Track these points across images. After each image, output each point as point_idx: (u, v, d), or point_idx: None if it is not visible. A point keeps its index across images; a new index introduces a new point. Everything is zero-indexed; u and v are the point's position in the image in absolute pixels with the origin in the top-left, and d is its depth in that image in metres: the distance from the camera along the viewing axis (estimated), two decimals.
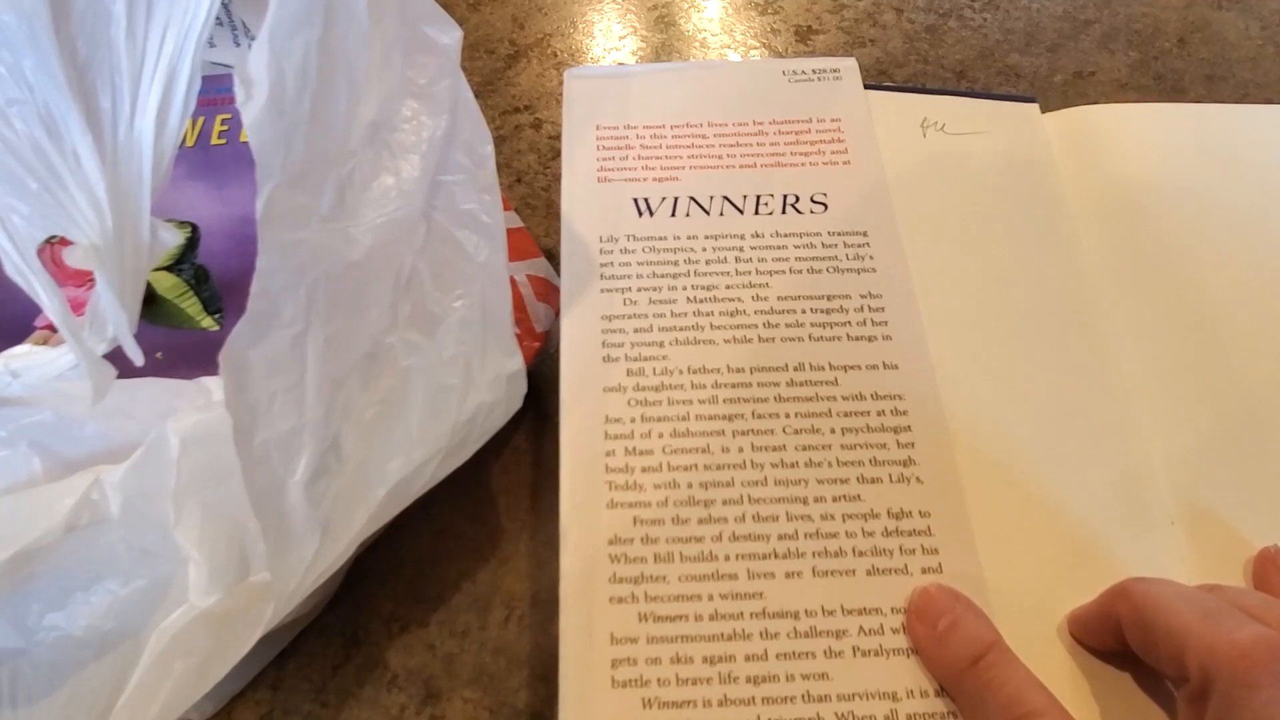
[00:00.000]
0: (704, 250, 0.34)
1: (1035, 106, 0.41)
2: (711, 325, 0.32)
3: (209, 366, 0.33)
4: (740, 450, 0.29)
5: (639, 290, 0.32)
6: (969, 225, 0.36)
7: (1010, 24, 0.61)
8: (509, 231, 0.38)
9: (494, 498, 0.38)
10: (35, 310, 0.37)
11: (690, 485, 0.29)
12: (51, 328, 0.36)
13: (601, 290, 0.32)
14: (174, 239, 0.23)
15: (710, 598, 0.27)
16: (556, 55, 0.57)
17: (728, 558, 0.27)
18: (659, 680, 0.26)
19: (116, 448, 0.27)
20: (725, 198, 0.35)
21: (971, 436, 0.30)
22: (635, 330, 0.31)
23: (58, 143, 0.21)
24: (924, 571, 0.27)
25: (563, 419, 0.30)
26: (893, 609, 0.27)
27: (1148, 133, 0.42)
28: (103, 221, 0.21)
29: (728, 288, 0.33)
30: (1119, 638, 0.25)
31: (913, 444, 0.30)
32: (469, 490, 0.38)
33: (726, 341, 0.31)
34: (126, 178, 0.22)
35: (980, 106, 0.41)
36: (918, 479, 0.29)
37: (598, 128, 0.37)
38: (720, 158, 0.37)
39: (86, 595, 0.26)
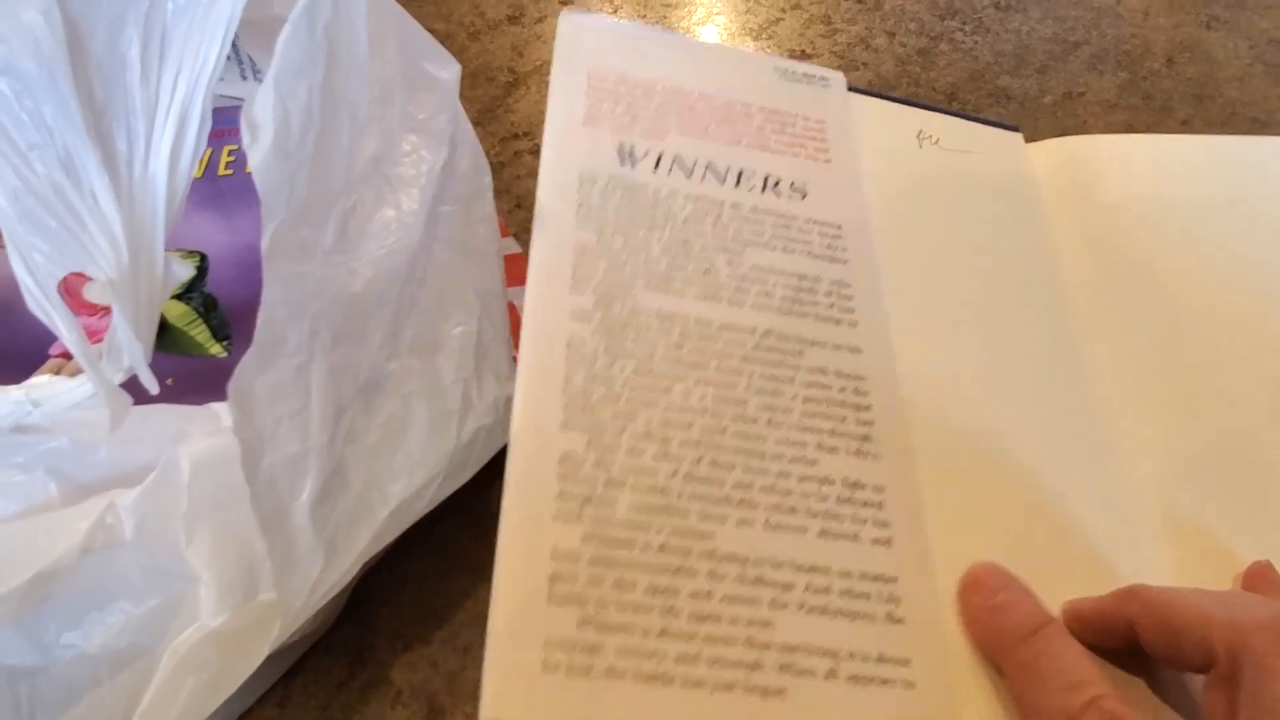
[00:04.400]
0: (682, 208, 0.34)
1: (1019, 135, 0.43)
2: (684, 279, 0.32)
3: (218, 392, 0.33)
4: (701, 398, 0.29)
5: (614, 232, 0.32)
6: (953, 237, 0.37)
7: (1000, 46, 0.62)
8: (507, 257, 0.40)
9: (495, 516, 0.39)
10: (50, 339, 0.38)
11: (649, 421, 0.28)
12: (66, 356, 0.37)
13: (576, 225, 0.32)
14: (186, 272, 0.24)
15: (659, 530, 0.26)
16: None
17: (680, 495, 0.27)
18: (598, 601, 0.25)
19: (129, 472, 0.28)
20: (709, 165, 0.36)
21: (936, 436, 0.31)
22: (606, 268, 0.31)
23: (76, 183, 0.22)
24: (874, 543, 0.28)
25: (524, 335, 0.29)
26: (841, 572, 0.27)
27: (1132, 162, 0.43)
28: (119, 257, 0.22)
29: (702, 248, 0.33)
30: (1124, 637, 0.26)
31: (872, 423, 0.30)
32: (470, 509, 0.39)
33: (696, 297, 0.31)
34: (141, 215, 0.23)
35: (970, 128, 0.42)
36: (874, 455, 0.29)
37: (589, 74, 0.38)
38: (707, 129, 0.37)
39: (102, 615, 0.27)
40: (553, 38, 0.61)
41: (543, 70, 0.59)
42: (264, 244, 0.22)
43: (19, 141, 0.22)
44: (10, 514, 0.28)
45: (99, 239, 0.22)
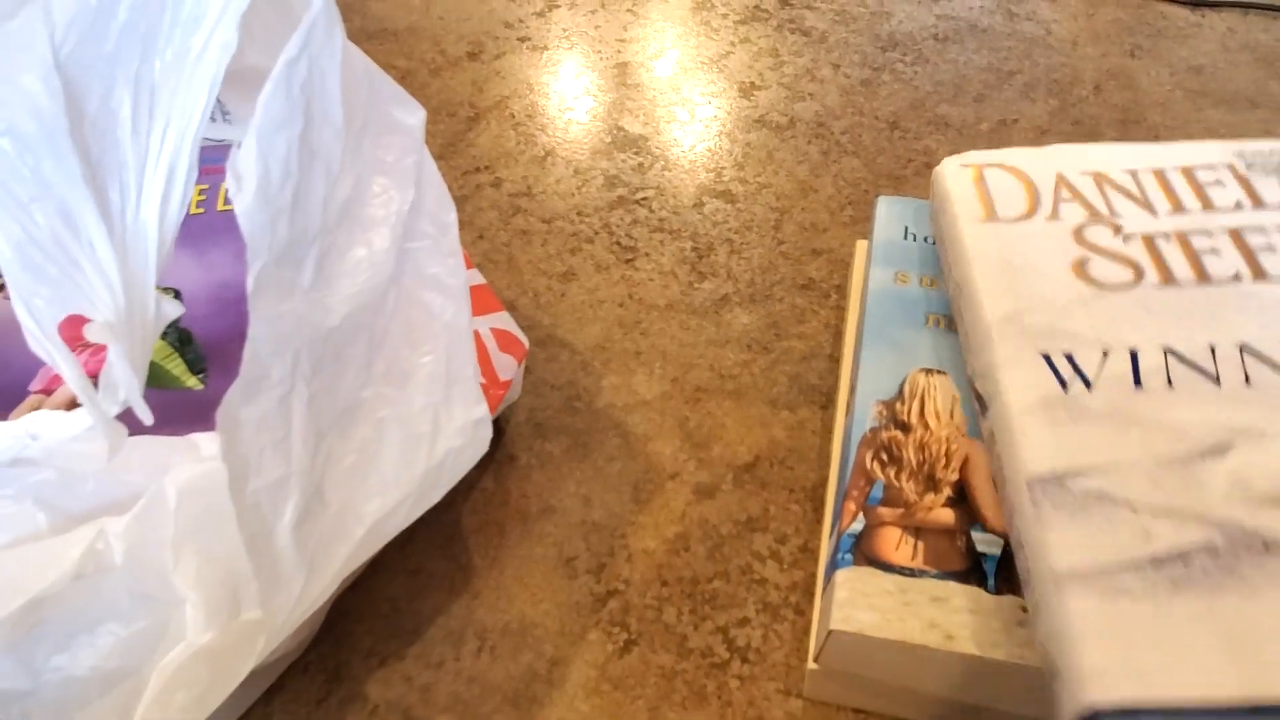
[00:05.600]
0: None
1: None
2: None
3: (196, 424, 0.35)
4: None
5: None
6: None
7: (940, 76, 0.66)
8: (472, 288, 0.42)
9: (465, 536, 0.41)
10: (29, 378, 0.39)
11: None
12: (46, 392, 0.38)
13: None
14: (176, 310, 0.26)
15: None
16: (514, 116, 0.61)
17: None
18: None
19: (115, 501, 0.30)
20: None
21: None
22: None
23: (74, 233, 0.24)
24: None
25: None
26: None
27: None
28: (115, 301, 0.24)
29: None
30: None
31: None
32: (441, 530, 0.41)
33: None
34: (134, 260, 0.24)
35: None
36: None
37: None
38: None
39: (91, 638, 0.28)
40: (511, 74, 0.64)
41: (501, 106, 0.61)
42: (249, 284, 0.24)
43: (21, 195, 0.23)
44: (1, 544, 0.29)
45: (96, 284, 0.24)
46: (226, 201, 0.45)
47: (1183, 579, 0.28)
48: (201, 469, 0.28)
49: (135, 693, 0.28)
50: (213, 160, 0.45)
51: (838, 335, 0.49)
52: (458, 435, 0.31)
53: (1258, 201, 0.40)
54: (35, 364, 0.40)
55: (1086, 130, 0.62)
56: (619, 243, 0.53)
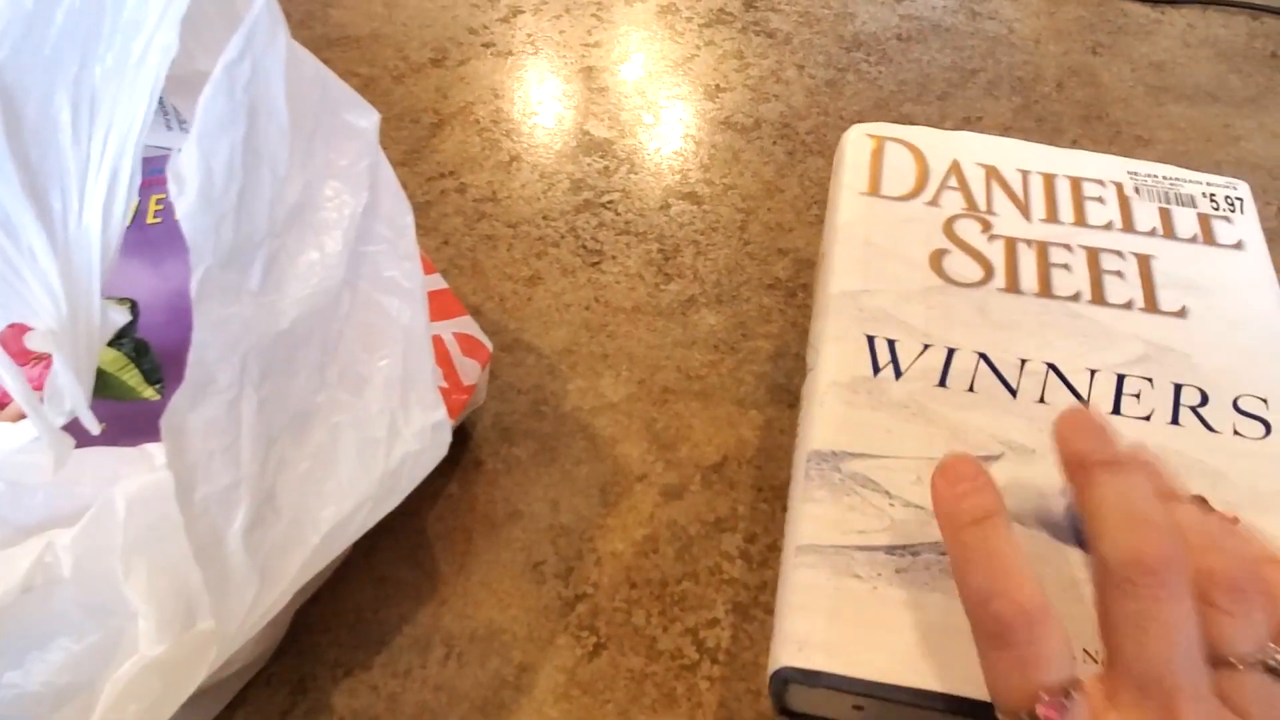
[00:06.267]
0: None
1: None
2: None
3: (151, 434, 0.34)
4: None
5: None
6: None
7: (903, 75, 0.66)
8: (434, 293, 0.41)
9: (430, 543, 0.40)
10: None
11: None
12: None
13: None
14: (122, 318, 0.25)
15: None
16: (479, 122, 0.60)
17: None
18: None
19: (66, 513, 0.29)
20: None
21: None
22: None
23: (14, 241, 0.23)
24: None
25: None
26: None
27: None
28: (58, 308, 0.24)
29: None
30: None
31: None
32: (406, 537, 0.40)
33: None
34: (78, 267, 0.24)
35: None
36: None
37: None
38: None
39: (42, 653, 0.28)
40: (476, 79, 0.64)
41: (465, 111, 0.61)
42: (193, 287, 0.24)
43: None
44: None
45: (38, 292, 0.24)
46: None
47: (906, 570, 0.30)
48: (151, 478, 0.27)
49: (88, 707, 0.27)
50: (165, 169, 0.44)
51: (804, 335, 0.49)
52: (415, 439, 0.30)
53: (1129, 225, 0.41)
54: None
55: (1050, 127, 0.62)
56: (585, 246, 0.53)
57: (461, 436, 0.43)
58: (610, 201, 0.55)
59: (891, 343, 0.36)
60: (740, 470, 0.43)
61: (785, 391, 0.46)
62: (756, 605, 0.39)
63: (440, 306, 0.41)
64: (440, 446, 0.32)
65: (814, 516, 0.32)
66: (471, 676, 0.36)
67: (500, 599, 0.39)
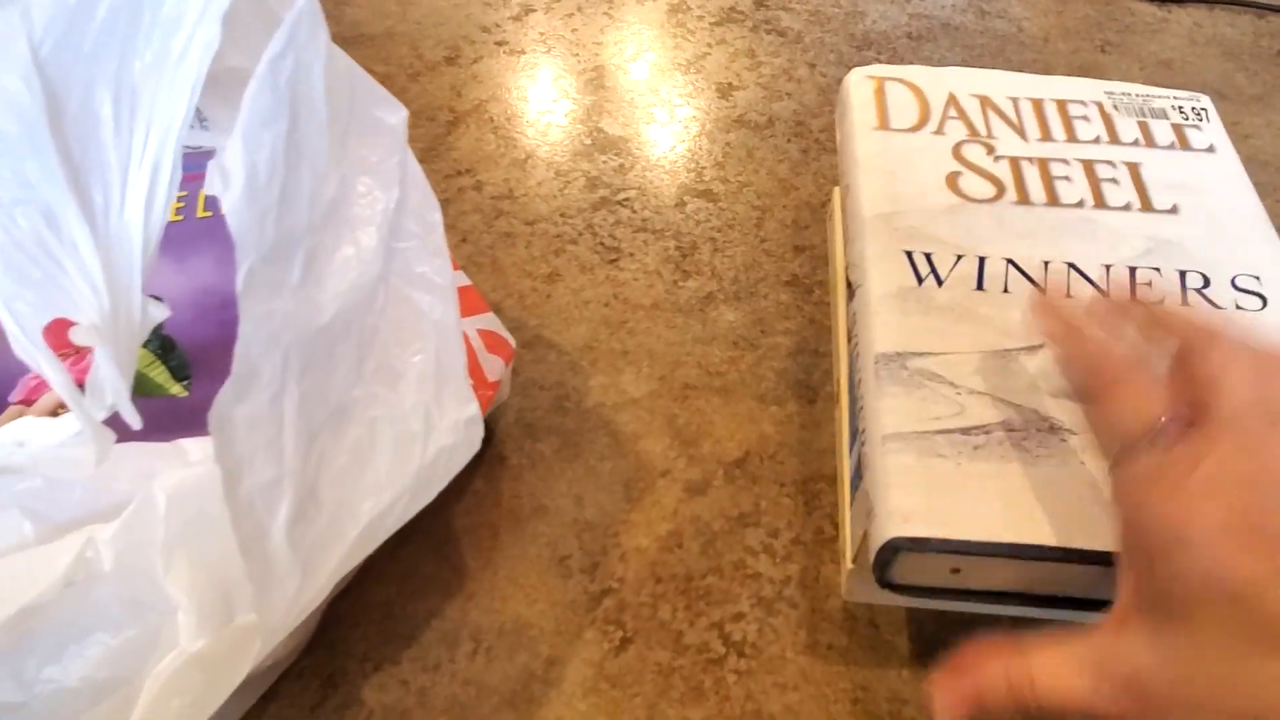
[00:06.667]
0: None
1: None
2: None
3: (181, 431, 0.35)
4: None
5: None
6: None
7: None
8: (458, 290, 0.41)
9: (457, 538, 0.40)
10: (7, 388, 0.39)
11: None
12: (26, 403, 0.38)
13: None
14: (161, 314, 0.25)
15: None
16: (493, 120, 0.61)
17: None
18: None
19: (102, 509, 0.29)
20: None
21: None
22: None
23: (58, 235, 0.23)
24: None
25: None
26: None
27: None
28: (100, 302, 0.24)
29: None
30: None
31: None
32: (433, 533, 0.40)
33: None
34: (119, 262, 0.24)
35: None
36: None
37: None
38: None
39: (81, 648, 0.28)
40: (489, 77, 0.64)
41: (480, 109, 0.61)
42: (239, 283, 0.24)
43: (2, 197, 0.23)
44: None
45: (81, 286, 0.24)
46: (206, 208, 0.44)
47: (983, 446, 0.33)
48: (191, 473, 0.28)
49: (127, 702, 0.27)
50: (190, 167, 0.44)
51: (823, 330, 0.49)
52: (450, 434, 0.31)
53: (1114, 138, 0.46)
54: (14, 374, 0.39)
55: None
56: (603, 243, 0.53)
57: (486, 432, 0.43)
58: (626, 199, 0.56)
59: (928, 255, 0.40)
60: (762, 465, 0.43)
61: (805, 387, 0.46)
62: (781, 599, 0.39)
63: (464, 303, 0.41)
64: (474, 441, 0.32)
65: (892, 409, 0.35)
66: (500, 670, 0.37)
67: (527, 593, 0.39)
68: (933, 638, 0.38)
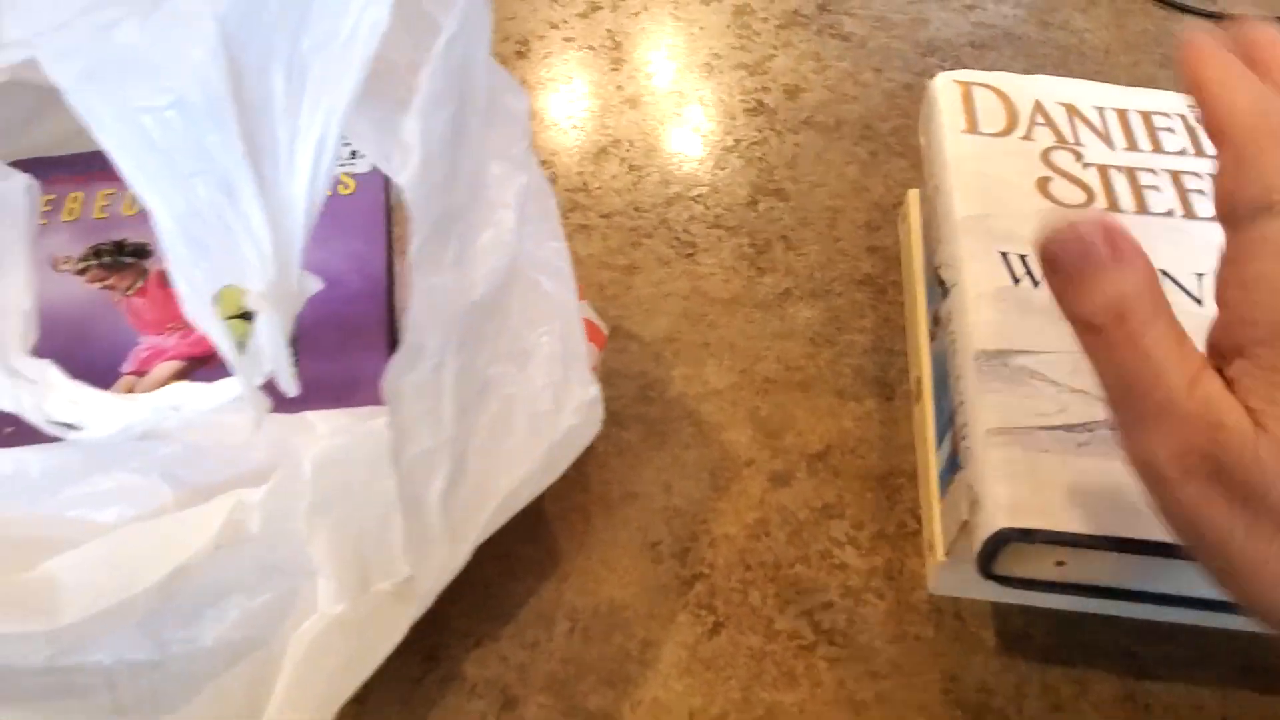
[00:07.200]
0: None
1: None
2: None
3: (301, 404, 0.36)
4: None
5: None
6: None
7: None
8: None
9: (549, 522, 0.41)
10: (117, 359, 0.39)
11: None
12: (139, 373, 0.39)
13: None
14: (316, 285, 0.26)
15: None
16: (565, 114, 0.61)
17: None
18: None
19: (239, 475, 0.30)
20: None
21: None
22: None
23: (234, 205, 0.24)
24: None
25: None
26: None
27: None
28: (267, 270, 0.24)
29: None
30: None
31: None
32: (525, 515, 0.41)
33: None
34: (284, 233, 0.25)
35: None
36: None
37: None
38: None
39: (218, 610, 0.29)
40: (559, 73, 0.64)
41: (552, 104, 0.62)
42: (411, 255, 0.24)
43: (184, 168, 0.24)
44: (128, 518, 0.30)
45: (250, 254, 0.25)
46: None
47: (1087, 444, 0.34)
48: (337, 442, 0.28)
49: (268, 664, 0.28)
50: None
51: (897, 329, 0.50)
52: (574, 414, 0.31)
53: (1200, 151, 0.46)
54: (124, 346, 0.40)
55: None
56: (678, 238, 0.54)
57: None
58: (699, 195, 0.56)
59: (1023, 257, 0.40)
60: (844, 459, 0.44)
61: (883, 384, 0.47)
62: (868, 590, 0.40)
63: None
64: (595, 422, 0.32)
65: (995, 405, 0.35)
66: (597, 650, 0.37)
67: (620, 576, 0.39)
68: (1019, 632, 0.39)
